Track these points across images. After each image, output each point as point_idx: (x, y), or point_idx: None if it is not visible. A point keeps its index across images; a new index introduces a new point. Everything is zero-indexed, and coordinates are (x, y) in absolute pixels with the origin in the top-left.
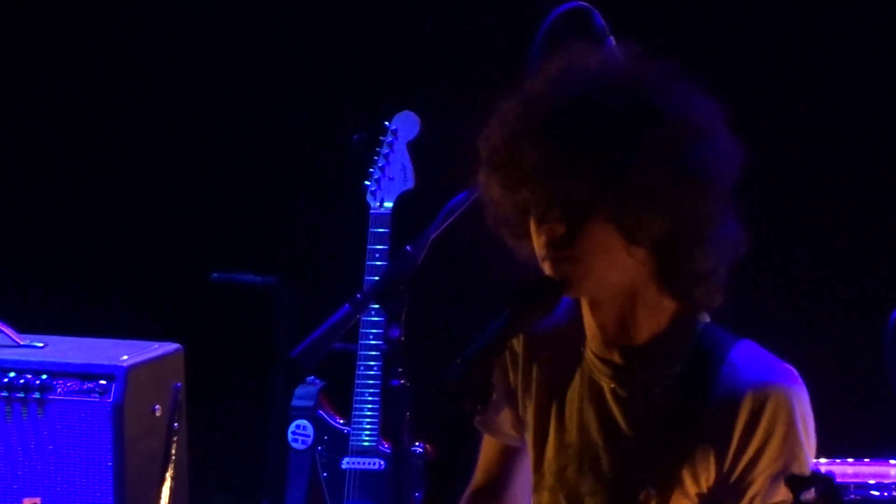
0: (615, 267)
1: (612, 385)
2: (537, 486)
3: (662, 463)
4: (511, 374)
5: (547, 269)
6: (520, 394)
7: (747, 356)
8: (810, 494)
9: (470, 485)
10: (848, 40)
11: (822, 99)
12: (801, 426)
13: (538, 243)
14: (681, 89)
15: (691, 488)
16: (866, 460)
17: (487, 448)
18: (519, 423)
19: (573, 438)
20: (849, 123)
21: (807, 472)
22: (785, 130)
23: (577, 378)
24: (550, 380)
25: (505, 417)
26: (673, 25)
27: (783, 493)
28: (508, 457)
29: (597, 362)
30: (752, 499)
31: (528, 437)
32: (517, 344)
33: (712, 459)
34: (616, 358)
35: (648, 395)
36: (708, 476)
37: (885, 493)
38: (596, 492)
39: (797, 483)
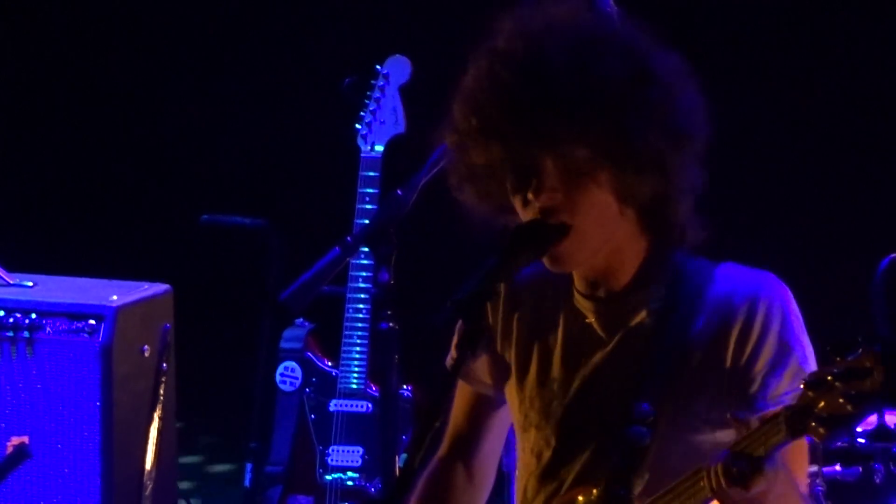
0: (608, 231)
1: (598, 317)
2: (523, 427)
3: (656, 379)
4: (490, 318)
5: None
6: (499, 338)
7: (731, 271)
8: (860, 354)
9: (440, 447)
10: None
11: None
12: (793, 322)
13: (527, 212)
14: (658, 47)
15: (687, 402)
16: None
17: (461, 399)
18: (494, 369)
19: (557, 374)
20: (848, 83)
21: (810, 363)
22: (781, 88)
23: (562, 317)
24: (533, 322)
25: (481, 364)
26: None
27: (787, 384)
28: (480, 409)
29: (582, 300)
30: (754, 396)
31: (511, 380)
32: (499, 287)
33: (708, 369)
34: (601, 293)
35: (635, 320)
36: (705, 387)
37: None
38: (590, 419)
39: (843, 347)
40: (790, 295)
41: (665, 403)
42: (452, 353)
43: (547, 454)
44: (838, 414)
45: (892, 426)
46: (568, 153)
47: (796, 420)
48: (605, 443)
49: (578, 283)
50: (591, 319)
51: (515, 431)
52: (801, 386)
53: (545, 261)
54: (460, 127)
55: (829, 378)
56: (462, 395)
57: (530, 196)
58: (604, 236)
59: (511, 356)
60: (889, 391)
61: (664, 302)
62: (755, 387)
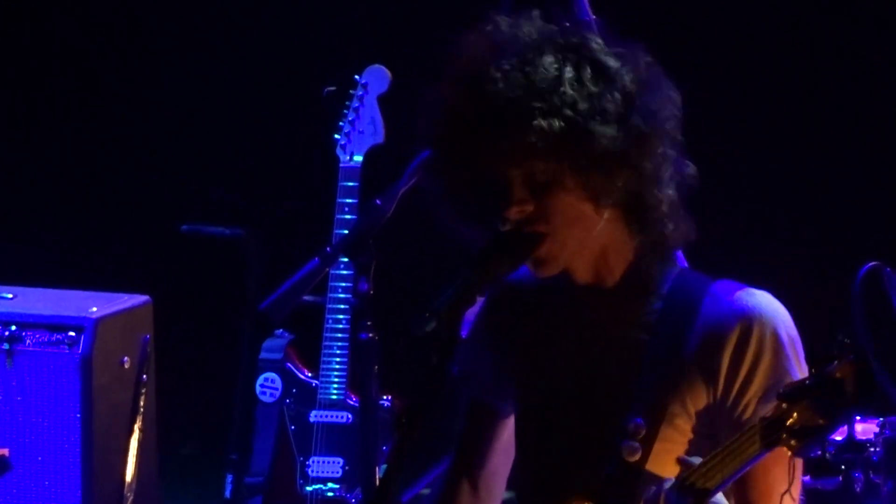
0: (587, 232)
1: (597, 327)
2: (525, 436)
3: (649, 394)
4: (497, 326)
5: None
6: (505, 345)
7: (728, 288)
8: (834, 366)
9: (450, 460)
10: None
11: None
12: (788, 347)
13: (506, 226)
14: (615, 45)
15: (680, 419)
16: None
17: (468, 411)
18: (500, 379)
19: (559, 381)
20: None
21: None
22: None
23: (562, 326)
24: (535, 329)
25: (488, 373)
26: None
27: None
28: (488, 420)
29: (578, 310)
30: (747, 423)
31: (514, 385)
32: (505, 293)
33: (700, 388)
34: (596, 300)
35: (632, 331)
36: (696, 405)
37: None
38: (585, 429)
39: (819, 358)
40: (787, 316)
41: (656, 419)
42: (460, 362)
43: (547, 465)
44: (810, 426)
45: (862, 438)
46: (528, 165)
47: (770, 432)
48: (600, 456)
49: (573, 289)
50: (590, 328)
51: (516, 439)
52: (776, 397)
53: (530, 266)
54: (430, 158)
55: (802, 389)
56: (469, 406)
57: (502, 212)
58: (582, 238)
59: (515, 359)
60: (861, 402)
61: (660, 316)
62: (748, 413)
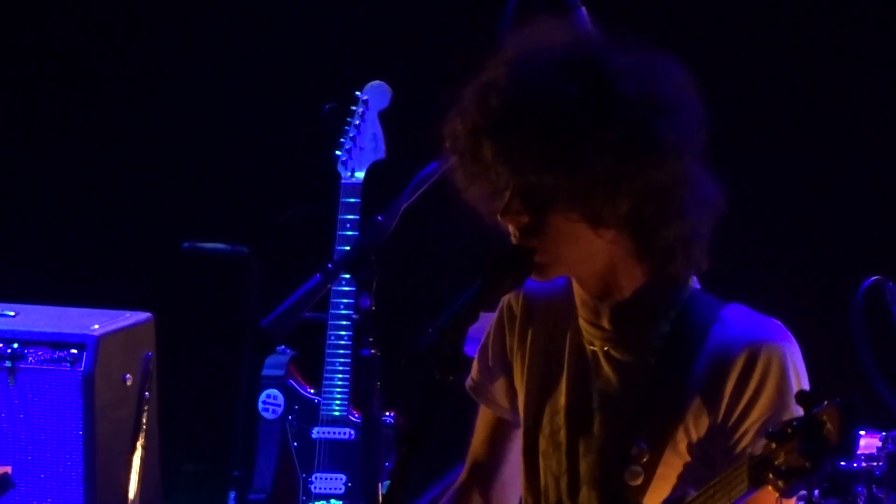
0: (585, 251)
1: (605, 347)
2: (530, 452)
3: (654, 419)
4: (508, 339)
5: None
6: (514, 359)
7: (738, 315)
8: (823, 407)
9: (462, 471)
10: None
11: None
12: (793, 379)
13: (508, 228)
14: (639, 63)
15: (682, 444)
16: None
17: (481, 423)
18: (512, 392)
19: (565, 402)
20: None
21: None
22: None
23: (569, 343)
24: (543, 345)
25: (500, 386)
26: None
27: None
28: (500, 433)
29: (588, 327)
30: (744, 451)
31: (520, 402)
32: (516, 306)
33: (704, 414)
34: (605, 322)
35: (639, 354)
36: (699, 431)
37: (855, 464)
38: (589, 451)
39: (807, 399)
40: (794, 347)
41: (660, 443)
42: (473, 375)
43: (552, 483)
44: (796, 468)
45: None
46: (522, 178)
47: (758, 471)
48: (602, 479)
49: (581, 309)
50: (597, 348)
51: (521, 454)
52: (765, 436)
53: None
54: (446, 153)
55: (789, 430)
56: (481, 419)
57: (499, 218)
58: (578, 257)
59: (523, 377)
60: (843, 450)
61: (667, 341)
62: (745, 442)
